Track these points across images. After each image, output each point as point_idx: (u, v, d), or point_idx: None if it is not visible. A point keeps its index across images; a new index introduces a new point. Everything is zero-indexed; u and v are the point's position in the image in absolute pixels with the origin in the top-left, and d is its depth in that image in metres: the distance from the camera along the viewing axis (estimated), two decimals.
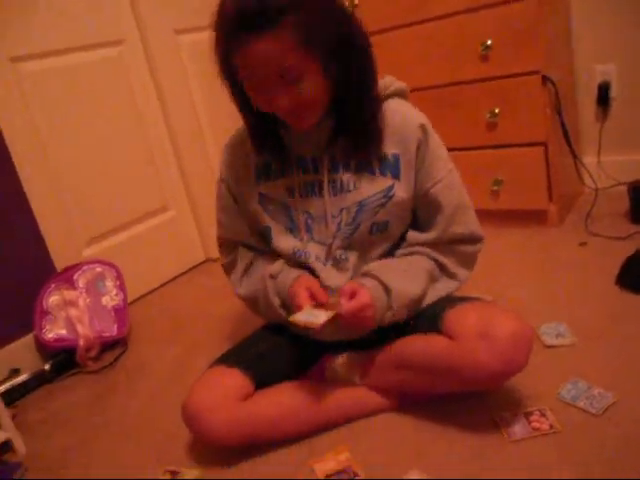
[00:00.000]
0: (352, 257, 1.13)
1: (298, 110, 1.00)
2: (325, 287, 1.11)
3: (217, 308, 1.81)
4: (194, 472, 1.11)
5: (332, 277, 1.13)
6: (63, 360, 1.66)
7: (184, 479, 1.09)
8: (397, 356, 1.10)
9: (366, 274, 1.09)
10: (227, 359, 1.18)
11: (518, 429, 1.02)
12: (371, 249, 1.13)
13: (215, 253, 2.18)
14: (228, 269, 1.29)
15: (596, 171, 1.98)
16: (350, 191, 1.10)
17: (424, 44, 1.87)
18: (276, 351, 1.20)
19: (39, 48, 1.74)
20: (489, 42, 1.73)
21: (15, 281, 1.67)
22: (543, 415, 1.04)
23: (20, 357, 1.64)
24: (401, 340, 1.10)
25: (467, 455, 1.00)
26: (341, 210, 1.11)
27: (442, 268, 1.14)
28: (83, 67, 1.85)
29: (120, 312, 1.78)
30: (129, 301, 1.87)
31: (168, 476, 1.11)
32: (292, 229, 1.15)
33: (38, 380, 1.60)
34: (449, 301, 1.11)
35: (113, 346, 1.75)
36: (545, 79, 1.70)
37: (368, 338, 1.14)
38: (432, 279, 1.13)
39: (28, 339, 1.68)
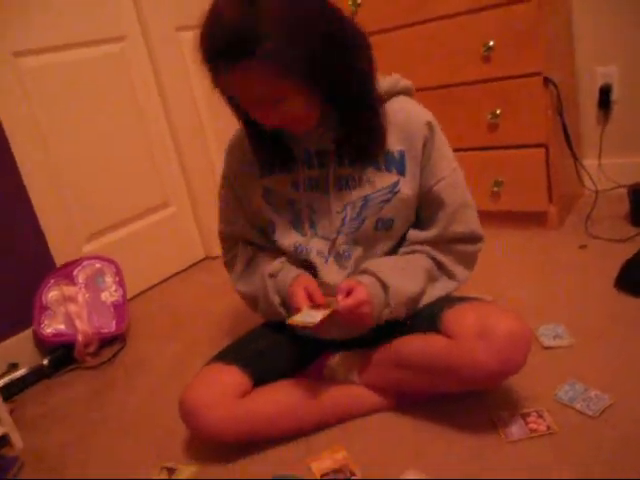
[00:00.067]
0: (356, 253, 1.13)
1: (287, 125, 1.02)
2: (323, 284, 1.11)
3: (216, 305, 1.81)
4: (191, 469, 1.11)
5: (332, 273, 1.13)
6: (61, 355, 1.66)
7: (180, 478, 1.10)
8: (395, 355, 1.11)
9: (364, 271, 1.09)
10: (225, 356, 1.18)
11: (515, 430, 1.02)
12: (375, 246, 1.13)
13: (214, 251, 2.21)
14: (229, 266, 1.29)
15: (596, 173, 1.98)
16: (355, 187, 1.10)
17: (426, 44, 1.86)
18: (275, 349, 1.20)
19: (41, 43, 1.74)
20: (491, 43, 1.73)
21: (15, 276, 1.67)
22: (540, 416, 1.04)
23: (19, 352, 1.64)
24: (399, 339, 1.10)
25: (466, 455, 1.00)
26: (346, 205, 1.11)
27: (441, 267, 1.14)
28: (85, 63, 1.85)
29: (119, 308, 1.78)
30: (128, 297, 1.87)
31: (165, 473, 1.11)
32: (296, 224, 1.15)
33: (36, 375, 1.61)
34: (448, 301, 1.11)
35: (112, 342, 1.75)
36: (547, 81, 1.70)
37: (367, 337, 1.14)
38: (431, 278, 1.13)
39: (27, 334, 1.68)
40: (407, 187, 1.10)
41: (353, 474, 1.01)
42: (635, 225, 1.72)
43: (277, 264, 1.16)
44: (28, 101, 1.71)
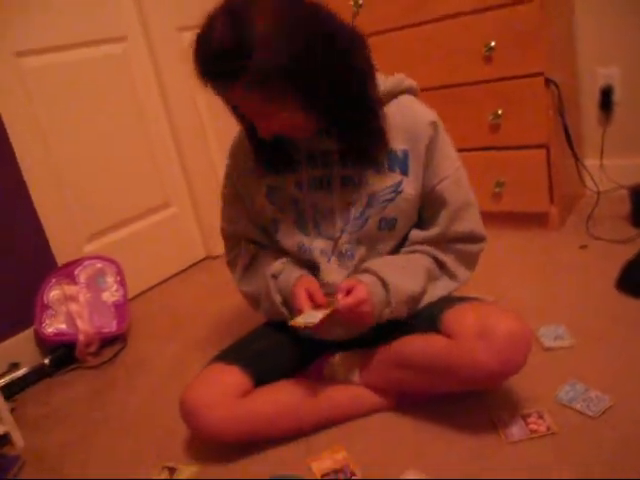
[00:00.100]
0: (359, 253, 1.13)
1: (286, 132, 1.04)
2: (325, 283, 1.11)
3: (217, 306, 1.81)
4: (192, 469, 1.11)
5: (333, 273, 1.13)
6: (62, 355, 1.66)
7: (181, 478, 1.10)
8: (396, 355, 1.11)
9: (365, 270, 1.09)
10: (226, 356, 1.18)
11: (516, 430, 1.02)
12: (378, 245, 1.13)
13: (215, 251, 2.21)
14: (231, 265, 1.29)
15: (598, 174, 1.98)
16: (358, 186, 1.10)
17: (427, 45, 1.86)
18: (276, 349, 1.20)
19: (43, 43, 1.75)
20: (492, 44, 1.73)
21: (16, 275, 1.67)
22: (541, 417, 1.04)
23: (20, 351, 1.64)
24: (400, 339, 1.10)
25: (466, 456, 1.00)
26: (349, 205, 1.11)
27: (442, 266, 1.14)
28: (86, 63, 1.85)
29: (120, 308, 1.78)
30: (129, 297, 1.88)
31: (166, 472, 1.11)
32: (299, 223, 1.15)
33: (37, 374, 1.61)
34: (448, 301, 1.11)
35: (113, 342, 1.75)
36: (548, 81, 1.70)
37: (367, 337, 1.14)
38: (431, 277, 1.13)
39: (28, 333, 1.68)
40: (410, 187, 1.10)
41: (353, 474, 1.01)
42: (636, 226, 1.72)
43: (279, 265, 1.16)
44: (30, 101, 1.71)
